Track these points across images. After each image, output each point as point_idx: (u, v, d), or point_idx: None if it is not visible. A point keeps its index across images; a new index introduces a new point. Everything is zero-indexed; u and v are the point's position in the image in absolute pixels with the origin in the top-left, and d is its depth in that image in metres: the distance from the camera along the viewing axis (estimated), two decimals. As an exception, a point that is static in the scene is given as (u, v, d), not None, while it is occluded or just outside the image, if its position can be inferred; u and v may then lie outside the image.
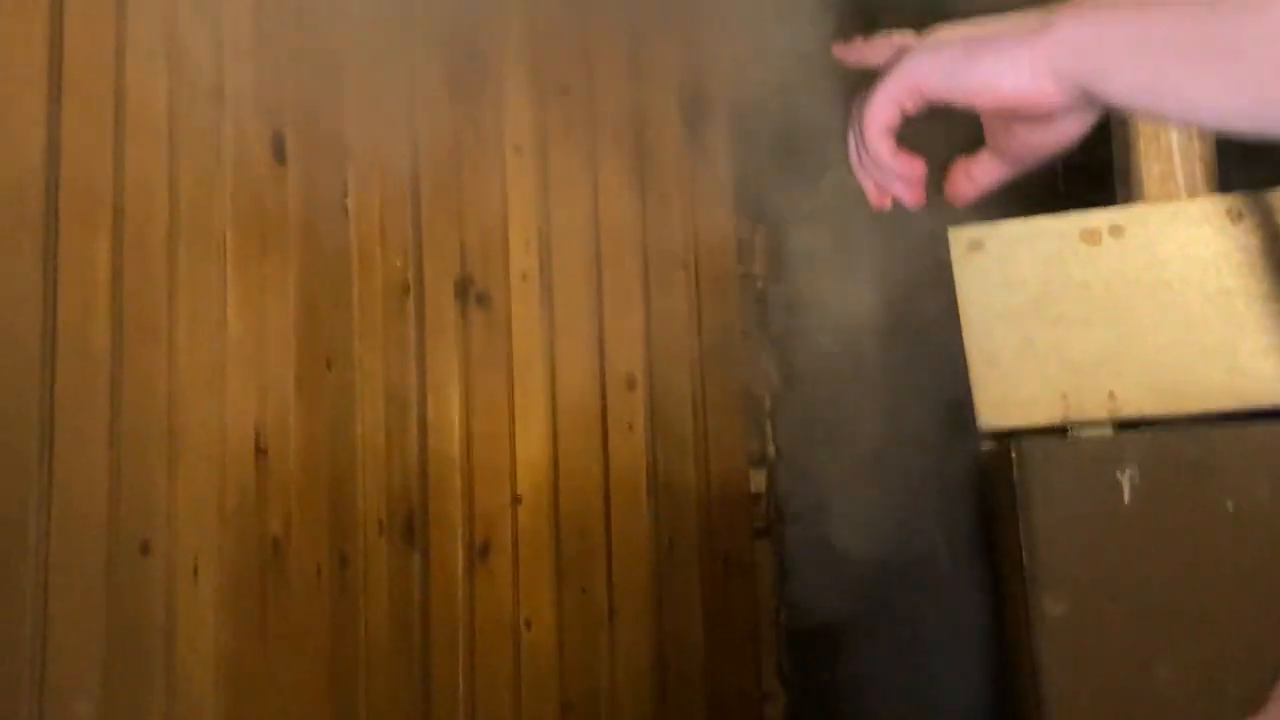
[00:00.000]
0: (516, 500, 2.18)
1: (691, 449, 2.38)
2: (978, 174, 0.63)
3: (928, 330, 2.15)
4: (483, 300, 2.24)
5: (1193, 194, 1.70)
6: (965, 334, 1.65)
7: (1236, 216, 1.64)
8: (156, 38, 1.26)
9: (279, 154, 1.56)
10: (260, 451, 1.41)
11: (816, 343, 2.52)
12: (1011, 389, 1.63)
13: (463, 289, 2.21)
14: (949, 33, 0.57)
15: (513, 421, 2.23)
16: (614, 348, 2.38)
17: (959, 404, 1.71)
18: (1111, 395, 1.61)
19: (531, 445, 2.24)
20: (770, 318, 2.55)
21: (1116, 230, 1.68)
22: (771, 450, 2.49)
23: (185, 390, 1.26)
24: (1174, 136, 1.73)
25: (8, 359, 1.03)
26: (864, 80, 0.62)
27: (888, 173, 0.59)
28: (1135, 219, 1.68)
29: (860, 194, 2.16)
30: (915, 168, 0.59)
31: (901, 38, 0.62)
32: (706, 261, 2.50)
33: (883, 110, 0.57)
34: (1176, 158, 1.72)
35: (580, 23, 2.46)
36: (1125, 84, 0.50)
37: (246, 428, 1.40)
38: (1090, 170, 1.88)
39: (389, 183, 2.03)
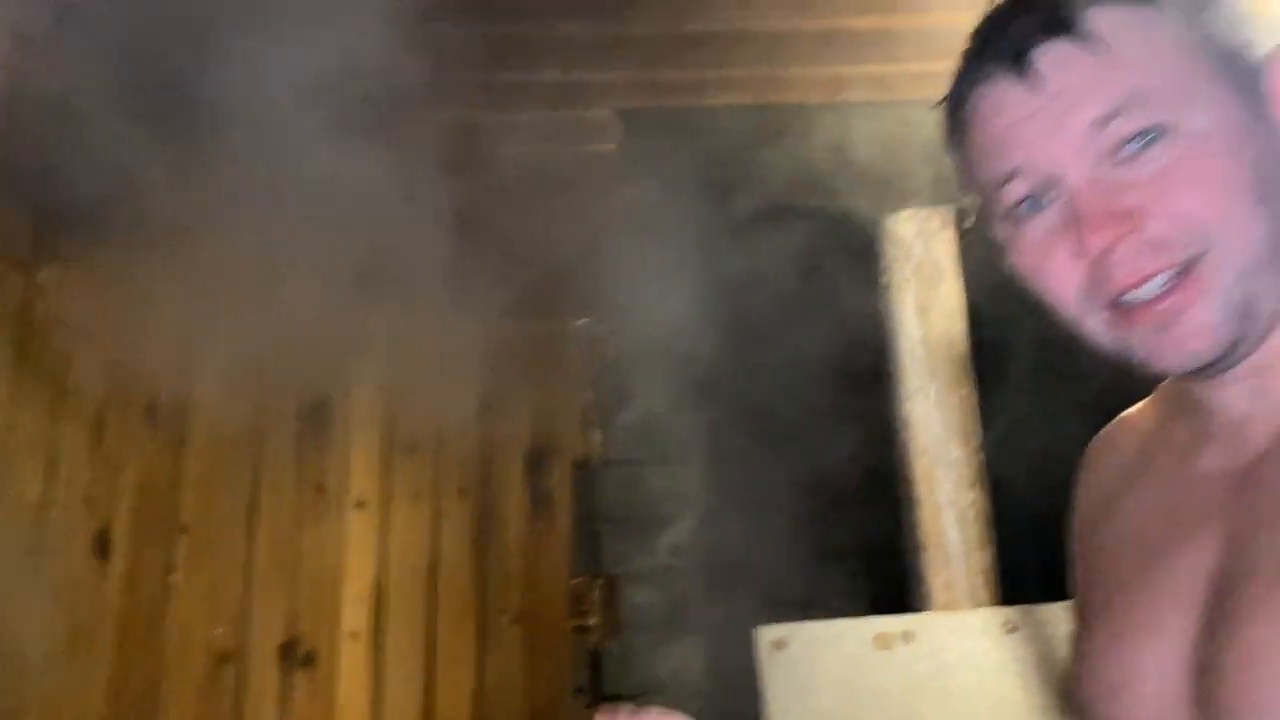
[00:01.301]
0: None
1: (517, 819, 2.33)
2: None
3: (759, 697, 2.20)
4: (309, 661, 2.22)
5: (975, 603, 1.85)
6: (770, 737, 1.72)
7: (1011, 629, 1.78)
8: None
9: (102, 550, 1.59)
10: None
11: (649, 703, 2.54)
12: (813, 796, 1.68)
13: (288, 650, 2.20)
14: None
15: (330, 792, 2.16)
16: (443, 708, 2.36)
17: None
18: (904, 805, 1.68)
19: (348, 820, 2.16)
20: (604, 675, 2.57)
21: (908, 636, 1.80)
22: (599, 818, 2.45)
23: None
24: (955, 546, 1.90)
25: None
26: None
27: None
28: (924, 626, 1.81)
29: (698, 552, 2.23)
30: None
31: (676, 715, 0.68)
32: (542, 616, 2.54)
33: None
34: (959, 567, 1.88)
35: (431, 384, 2.59)
36: None
37: None
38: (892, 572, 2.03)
39: (221, 551, 2.05)
